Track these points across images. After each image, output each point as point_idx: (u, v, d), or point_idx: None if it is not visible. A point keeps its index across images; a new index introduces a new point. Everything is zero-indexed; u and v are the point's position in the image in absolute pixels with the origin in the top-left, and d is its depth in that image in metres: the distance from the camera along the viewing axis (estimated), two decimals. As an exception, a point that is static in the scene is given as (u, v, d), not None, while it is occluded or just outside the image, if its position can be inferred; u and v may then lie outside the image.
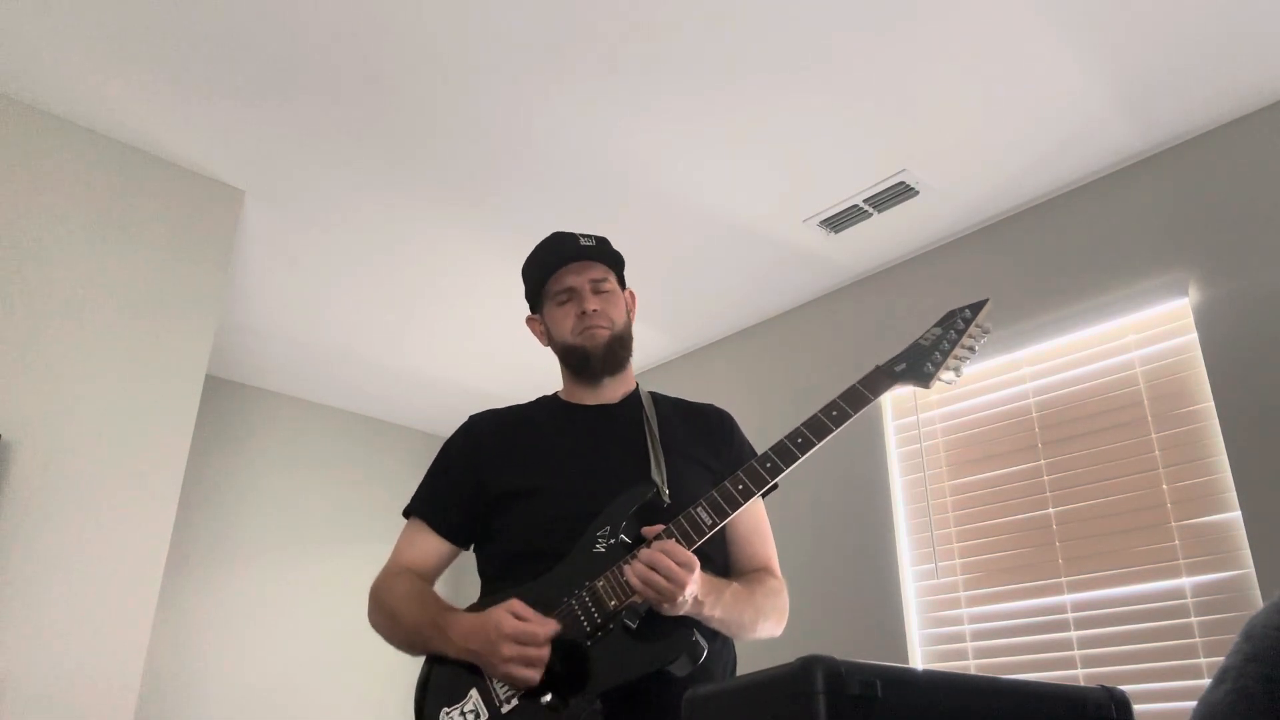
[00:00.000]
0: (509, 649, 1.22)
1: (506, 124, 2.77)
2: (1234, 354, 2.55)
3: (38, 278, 2.60)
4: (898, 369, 1.43)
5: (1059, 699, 0.94)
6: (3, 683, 2.27)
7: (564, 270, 1.55)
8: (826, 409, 1.37)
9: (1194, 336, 2.64)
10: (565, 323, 1.53)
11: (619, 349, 1.54)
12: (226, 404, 4.41)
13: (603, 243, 1.58)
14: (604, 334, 1.52)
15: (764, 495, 1.54)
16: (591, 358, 1.51)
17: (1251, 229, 2.61)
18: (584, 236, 1.57)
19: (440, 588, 1.46)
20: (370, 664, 4.18)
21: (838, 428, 1.35)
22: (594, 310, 1.51)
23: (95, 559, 2.50)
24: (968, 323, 1.49)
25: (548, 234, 1.61)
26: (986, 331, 1.50)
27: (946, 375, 1.44)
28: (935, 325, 1.51)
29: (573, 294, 1.53)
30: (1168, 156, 2.85)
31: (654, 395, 1.59)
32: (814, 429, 1.35)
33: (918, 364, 1.43)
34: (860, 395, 1.39)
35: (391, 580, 1.46)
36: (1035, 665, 2.70)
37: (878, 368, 1.44)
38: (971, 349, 1.48)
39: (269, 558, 4.39)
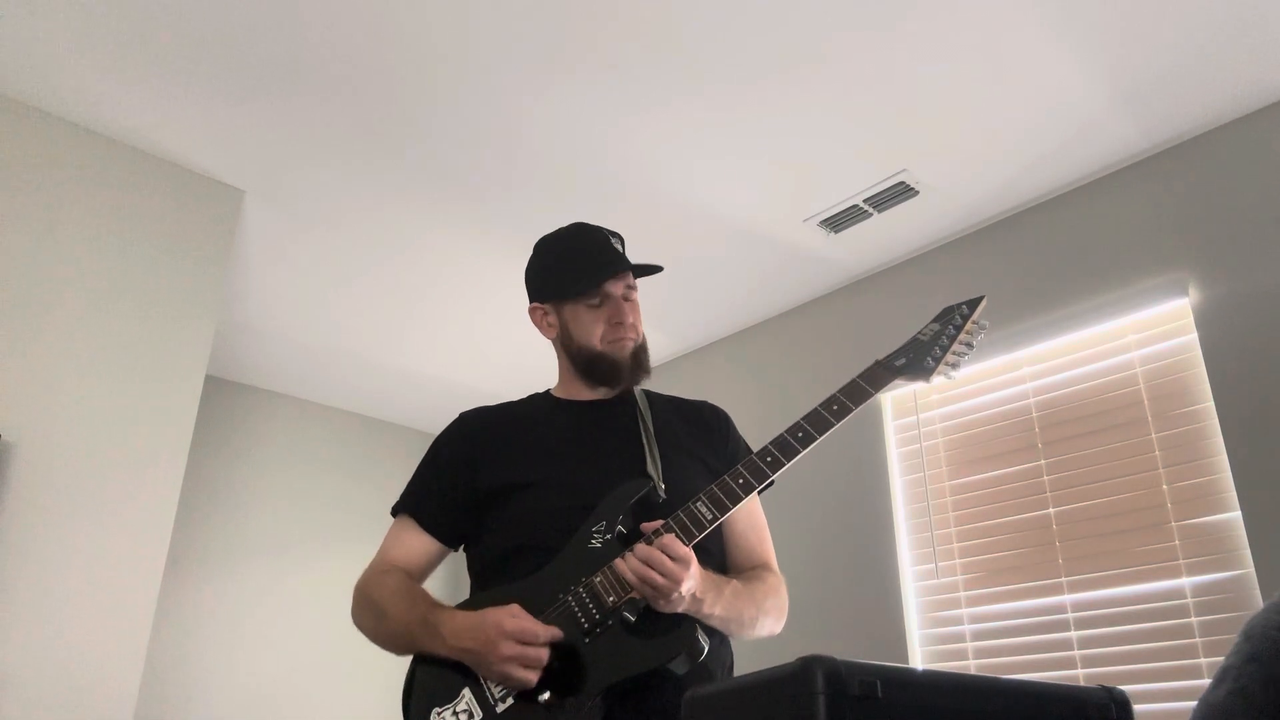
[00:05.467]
0: (509, 648, 1.20)
1: (506, 124, 2.77)
2: (1234, 354, 2.55)
3: (37, 278, 2.60)
4: (897, 363, 1.43)
5: (1059, 699, 0.94)
6: (3, 682, 2.28)
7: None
8: (827, 403, 1.36)
9: (1194, 336, 2.64)
10: (595, 328, 1.49)
11: (643, 358, 1.52)
12: (226, 404, 4.41)
13: (624, 245, 1.56)
14: (631, 344, 1.50)
15: (760, 491, 1.54)
16: (621, 368, 1.49)
17: (1251, 229, 2.61)
18: (611, 235, 1.53)
19: (438, 592, 1.42)
20: (370, 663, 4.17)
21: (839, 422, 1.34)
22: (629, 323, 1.49)
23: (95, 559, 2.50)
24: (965, 319, 1.48)
25: (567, 225, 1.57)
26: (983, 328, 1.50)
27: (945, 370, 1.44)
28: (933, 321, 1.51)
29: (608, 300, 1.50)
30: (1168, 156, 2.85)
31: (648, 393, 1.58)
32: (815, 423, 1.34)
33: (917, 359, 1.43)
34: (861, 390, 1.37)
35: (379, 577, 1.44)
36: (1035, 665, 2.70)
37: (877, 362, 1.43)
38: (969, 345, 1.48)
39: (269, 557, 4.40)
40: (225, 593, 4.21)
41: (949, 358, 1.43)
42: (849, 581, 3.22)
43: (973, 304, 1.51)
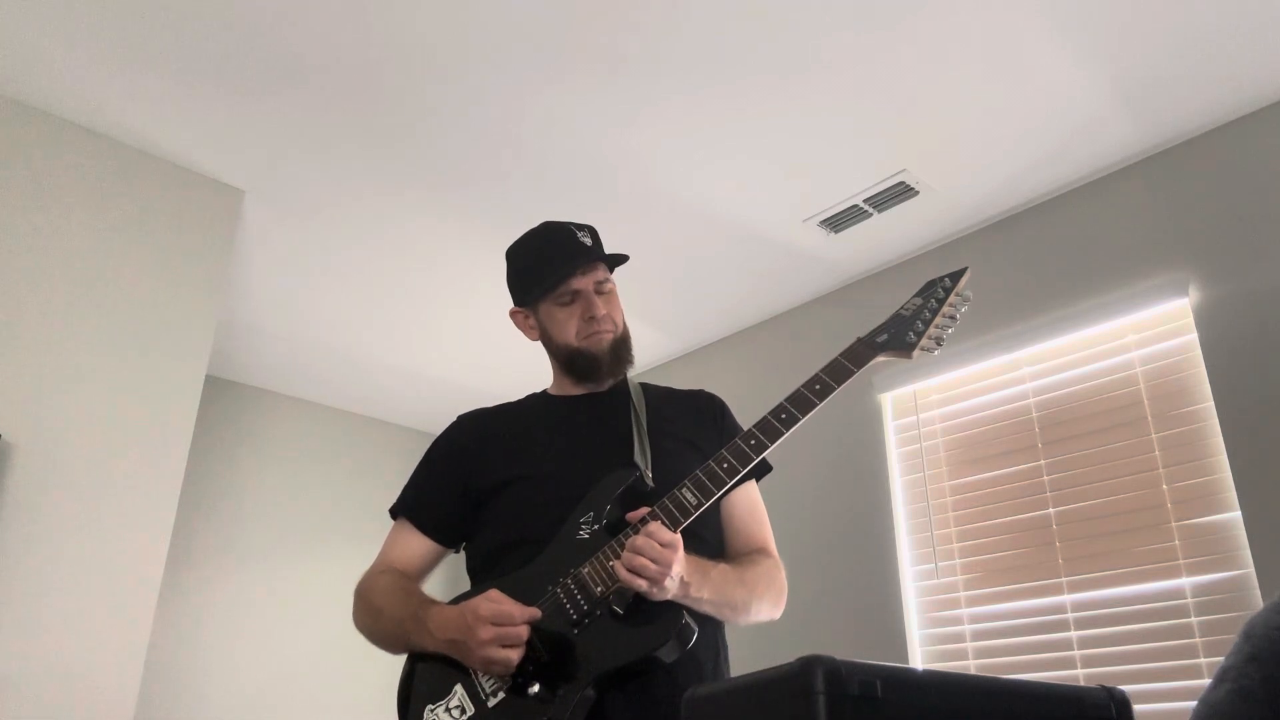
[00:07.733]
0: (486, 631, 1.20)
1: (505, 124, 2.77)
2: (1234, 354, 2.55)
3: (38, 278, 2.60)
4: (879, 340, 1.40)
5: (1059, 699, 0.94)
6: (3, 683, 2.27)
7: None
8: (809, 383, 1.34)
9: (1194, 336, 2.64)
10: (569, 325, 1.49)
11: (623, 350, 1.52)
12: (226, 404, 4.41)
13: (597, 238, 1.55)
14: (609, 338, 1.50)
15: (759, 478, 1.53)
16: (600, 362, 1.49)
17: (1251, 229, 2.61)
18: (579, 229, 1.52)
19: (438, 593, 1.42)
20: (369, 662, 4.18)
21: (821, 401, 1.32)
22: (603, 315, 1.49)
23: (95, 559, 2.50)
24: (948, 291, 1.45)
25: (534, 226, 1.57)
26: (967, 299, 1.46)
27: (928, 345, 1.40)
28: (915, 295, 1.48)
29: (578, 296, 1.49)
30: (1168, 156, 2.85)
31: (643, 385, 1.58)
32: (797, 404, 1.32)
33: (900, 334, 1.40)
34: (843, 368, 1.35)
35: (375, 578, 1.45)
36: (1035, 665, 2.70)
37: (859, 339, 1.41)
38: (953, 318, 1.44)
39: (269, 557, 4.40)
40: (225, 592, 4.21)
41: (932, 331, 1.40)
42: (849, 581, 3.22)
43: (955, 276, 1.48)
